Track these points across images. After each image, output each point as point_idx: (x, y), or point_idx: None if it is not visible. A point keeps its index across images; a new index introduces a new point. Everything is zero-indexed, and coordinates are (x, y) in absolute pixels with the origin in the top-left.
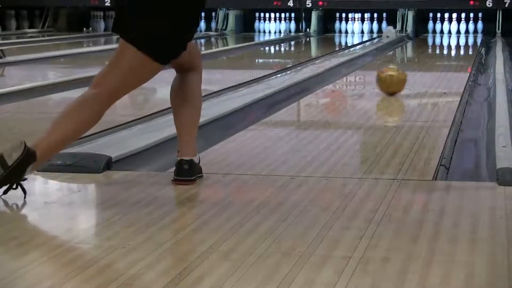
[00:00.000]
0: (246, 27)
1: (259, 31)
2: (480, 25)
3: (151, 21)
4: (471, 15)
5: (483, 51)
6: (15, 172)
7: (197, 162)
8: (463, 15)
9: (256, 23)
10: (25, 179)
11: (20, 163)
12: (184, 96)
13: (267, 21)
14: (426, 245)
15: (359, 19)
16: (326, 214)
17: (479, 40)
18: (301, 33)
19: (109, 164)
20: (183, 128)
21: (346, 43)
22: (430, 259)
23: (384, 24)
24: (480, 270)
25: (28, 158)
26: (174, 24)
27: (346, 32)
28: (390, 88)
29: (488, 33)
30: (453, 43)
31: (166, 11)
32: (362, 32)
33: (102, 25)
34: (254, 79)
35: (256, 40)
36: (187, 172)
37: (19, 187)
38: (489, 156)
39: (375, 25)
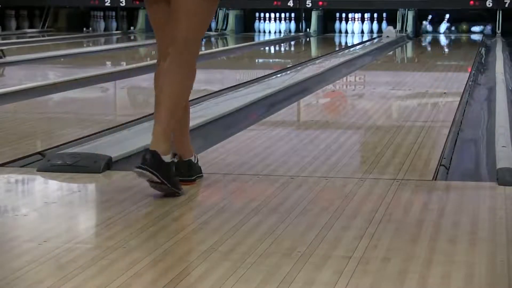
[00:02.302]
0: (246, 27)
1: (259, 31)
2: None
3: None
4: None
5: (483, 51)
6: (169, 179)
7: (196, 161)
8: None
9: (256, 23)
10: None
11: (162, 173)
12: None
13: (267, 21)
14: (426, 245)
15: (359, 19)
16: (326, 214)
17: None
18: (301, 33)
19: (109, 164)
20: (177, 130)
21: (346, 43)
22: (430, 259)
23: (384, 24)
24: (480, 270)
25: (156, 164)
26: None
27: (346, 32)
28: None
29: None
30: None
31: None
32: (362, 32)
33: (102, 25)
34: (254, 79)
35: (256, 40)
36: (186, 173)
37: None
38: (489, 156)
39: (375, 25)
